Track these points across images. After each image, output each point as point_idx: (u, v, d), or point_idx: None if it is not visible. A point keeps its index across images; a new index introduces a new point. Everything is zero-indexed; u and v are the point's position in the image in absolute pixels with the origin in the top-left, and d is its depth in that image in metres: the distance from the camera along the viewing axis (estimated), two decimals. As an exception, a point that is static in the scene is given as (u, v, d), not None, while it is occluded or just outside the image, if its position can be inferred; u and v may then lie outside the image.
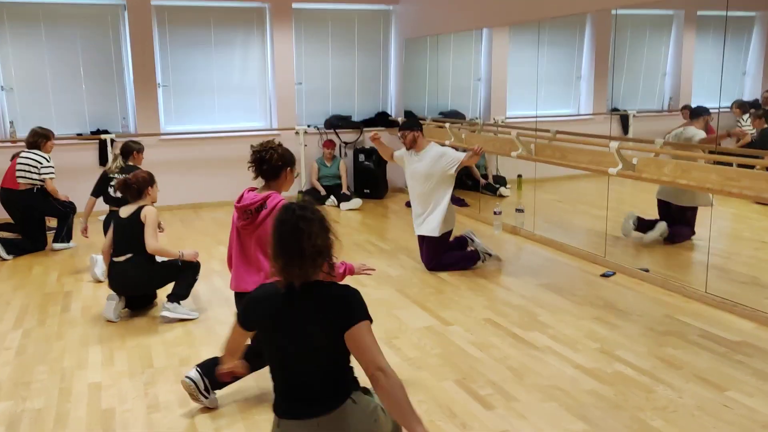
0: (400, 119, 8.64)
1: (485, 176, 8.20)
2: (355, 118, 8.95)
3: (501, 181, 8.11)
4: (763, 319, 4.00)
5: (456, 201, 7.96)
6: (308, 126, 8.65)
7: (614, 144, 4.84)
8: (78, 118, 7.81)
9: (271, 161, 3.22)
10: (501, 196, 7.99)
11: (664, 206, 5.54)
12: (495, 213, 6.66)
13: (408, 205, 8.03)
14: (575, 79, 7.66)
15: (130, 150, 5.76)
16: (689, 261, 5.37)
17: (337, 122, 8.74)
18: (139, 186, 4.41)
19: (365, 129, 8.86)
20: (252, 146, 3.28)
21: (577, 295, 4.59)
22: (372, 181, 8.64)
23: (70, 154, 7.52)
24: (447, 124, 7.47)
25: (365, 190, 8.62)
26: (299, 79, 8.61)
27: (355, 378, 2.12)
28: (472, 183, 8.18)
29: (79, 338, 3.98)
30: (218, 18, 8.10)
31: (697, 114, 5.12)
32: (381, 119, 8.99)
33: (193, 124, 8.22)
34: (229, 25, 8.17)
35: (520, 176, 7.90)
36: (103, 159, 7.65)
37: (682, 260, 5.40)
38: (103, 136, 7.63)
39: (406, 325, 4.11)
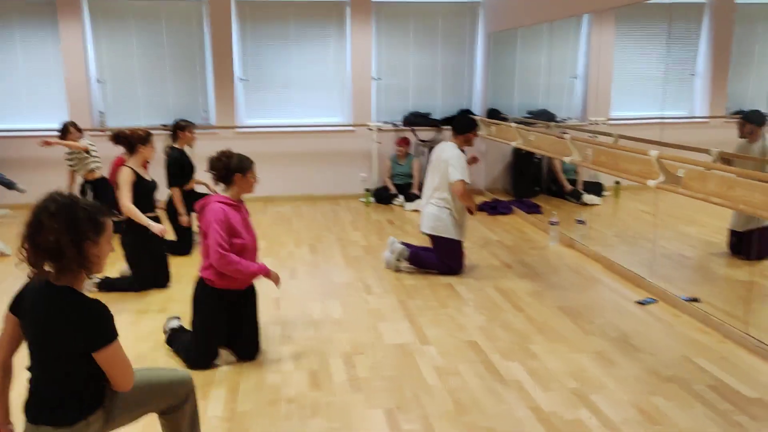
0: (479, 119, 8.19)
1: (573, 182, 7.55)
2: (437, 116, 8.63)
3: (595, 187, 7.39)
4: (803, 374, 3.26)
5: (531, 207, 7.39)
6: (384, 122, 8.46)
7: (654, 152, 4.19)
8: (163, 110, 8.18)
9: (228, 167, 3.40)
10: (585, 204, 7.32)
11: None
12: (551, 223, 6.11)
13: (479, 209, 7.61)
14: (689, 76, 6.84)
15: (177, 129, 5.90)
16: (757, 294, 4.55)
17: (415, 119, 8.48)
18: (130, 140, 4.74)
19: (444, 127, 8.51)
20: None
21: (593, 324, 4.03)
22: (446, 181, 8.28)
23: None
24: (513, 124, 6.95)
25: (439, 191, 8.28)
26: (379, 74, 8.44)
27: (100, 397, 1.96)
28: (556, 188, 7.59)
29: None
30: (298, 12, 8.13)
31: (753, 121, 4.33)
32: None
33: (272, 118, 8.33)
34: (308, 19, 8.17)
35: (618, 182, 7.16)
36: (181, 150, 7.95)
37: (751, 292, 4.58)
38: (180, 128, 7.92)
39: (380, 340, 3.81)
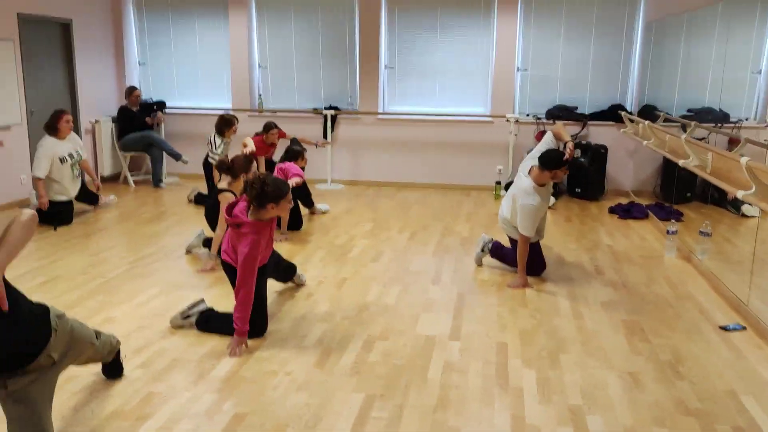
0: (625, 115, 7.64)
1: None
2: (585, 110, 8.20)
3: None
4: None
5: (671, 214, 6.76)
6: (526, 115, 8.24)
7: (744, 159, 3.68)
8: (315, 95, 8.73)
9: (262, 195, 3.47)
10: (744, 215, 6.56)
11: None
12: (669, 233, 5.58)
13: (611, 211, 7.15)
14: None
15: (292, 158, 6.07)
16: None
17: (559, 113, 8.13)
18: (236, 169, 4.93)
19: (590, 123, 8.07)
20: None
21: (648, 343, 3.67)
22: (586, 179, 7.86)
23: (303, 126, 8.45)
24: (646, 122, 6.40)
25: (576, 189, 7.90)
26: (525, 65, 8.21)
27: None
28: (719, 195, 6.88)
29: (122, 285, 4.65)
30: (446, 1, 8.16)
31: None
32: (613, 113, 8.05)
33: (413, 106, 8.50)
34: (456, 7, 8.18)
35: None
36: (325, 132, 8.44)
37: None
38: (325, 112, 8.41)
39: (412, 329, 3.83)
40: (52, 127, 6.15)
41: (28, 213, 2.36)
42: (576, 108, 8.18)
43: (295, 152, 6.11)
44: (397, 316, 4.03)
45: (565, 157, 4.55)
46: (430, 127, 8.38)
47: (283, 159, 6.11)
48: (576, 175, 7.88)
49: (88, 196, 6.68)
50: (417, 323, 3.92)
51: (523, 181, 4.62)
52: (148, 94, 8.95)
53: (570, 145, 4.67)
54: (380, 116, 8.47)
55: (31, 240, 2.37)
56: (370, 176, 8.60)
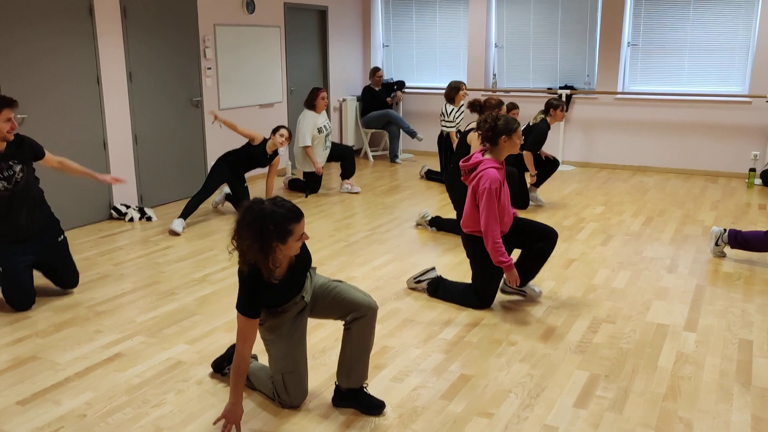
0: None
1: None
2: None
3: None
4: None
5: None
6: (794, 95, 7.34)
7: None
8: (550, 74, 8.60)
9: (494, 130, 3.60)
10: None
11: None
12: None
13: None
14: None
15: (549, 106, 6.12)
16: None
17: (835, 92, 7.11)
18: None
19: None
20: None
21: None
22: None
23: (537, 105, 8.39)
24: None
25: None
26: (796, 38, 7.30)
27: None
28: None
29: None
30: (701, -28, 7.54)
31: None
32: None
33: (656, 85, 8.01)
34: (713, -22, 7.51)
35: None
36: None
37: None
38: (560, 91, 8.26)
39: (642, 316, 3.69)
40: (311, 103, 6.82)
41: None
42: None
43: (554, 104, 6.05)
44: (626, 301, 3.91)
45: None
46: (674, 107, 7.82)
47: (547, 108, 6.09)
48: None
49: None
50: (648, 310, 3.77)
51: None
52: (389, 74, 9.48)
53: None
54: (619, 96, 8.10)
55: None
56: (603, 158, 8.30)
